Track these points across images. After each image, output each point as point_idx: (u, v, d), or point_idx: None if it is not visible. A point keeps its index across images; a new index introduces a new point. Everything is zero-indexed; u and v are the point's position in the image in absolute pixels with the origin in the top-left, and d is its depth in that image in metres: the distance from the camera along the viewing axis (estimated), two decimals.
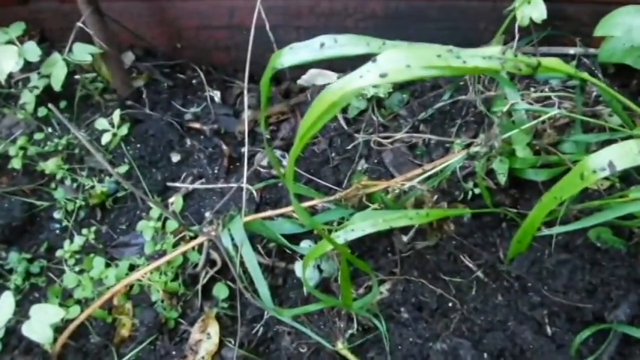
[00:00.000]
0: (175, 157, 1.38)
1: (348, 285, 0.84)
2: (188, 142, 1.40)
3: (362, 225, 0.85)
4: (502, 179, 1.07)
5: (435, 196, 1.10)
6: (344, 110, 1.36)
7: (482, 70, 0.57)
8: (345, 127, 1.35)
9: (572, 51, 1.26)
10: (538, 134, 1.08)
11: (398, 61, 0.55)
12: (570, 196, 0.68)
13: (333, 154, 1.33)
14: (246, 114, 1.34)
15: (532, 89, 1.18)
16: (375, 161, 1.28)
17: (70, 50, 1.30)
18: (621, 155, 0.64)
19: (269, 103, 1.47)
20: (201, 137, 1.42)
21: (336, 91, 0.57)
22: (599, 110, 1.09)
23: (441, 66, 0.56)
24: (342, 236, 0.85)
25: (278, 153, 1.38)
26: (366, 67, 0.57)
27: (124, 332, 1.21)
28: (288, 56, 0.67)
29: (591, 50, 1.24)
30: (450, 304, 1.08)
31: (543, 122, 1.03)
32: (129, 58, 1.52)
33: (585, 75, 0.65)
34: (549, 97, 1.14)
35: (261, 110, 1.47)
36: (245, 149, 1.24)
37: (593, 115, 1.09)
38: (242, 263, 1.14)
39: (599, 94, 1.17)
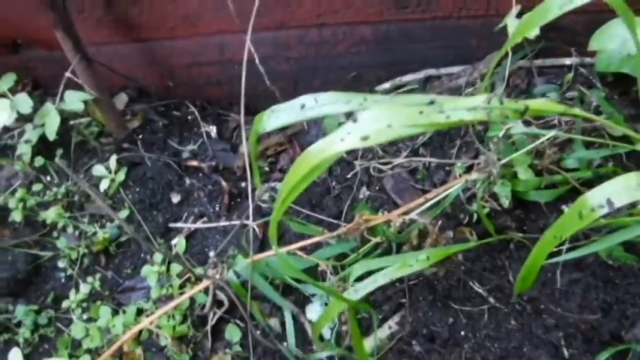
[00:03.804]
0: (175, 198, 1.38)
1: (362, 347, 0.83)
2: (187, 181, 1.39)
3: (365, 284, 0.83)
4: (505, 202, 1.05)
5: (439, 222, 1.08)
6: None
7: (468, 122, 0.55)
8: (344, 154, 1.34)
9: (568, 62, 1.23)
10: (539, 153, 1.06)
11: (379, 121, 0.54)
12: (570, 235, 0.66)
13: (334, 183, 1.32)
14: (245, 148, 1.32)
15: None
16: (377, 188, 1.27)
17: (62, 99, 1.30)
18: (620, 191, 0.62)
19: (265, 135, 1.46)
20: (200, 175, 1.41)
21: (315, 156, 0.56)
22: (600, 124, 1.06)
23: (424, 123, 0.54)
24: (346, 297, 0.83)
25: (279, 186, 1.37)
26: (346, 128, 0.55)
27: None
28: (271, 120, 0.66)
29: (588, 60, 1.22)
30: (462, 333, 1.06)
31: (543, 142, 1.01)
32: (122, 100, 1.52)
33: (576, 111, 0.63)
34: None
35: (259, 143, 1.47)
36: (248, 185, 1.22)
37: (593, 129, 1.07)
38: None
39: (599, 104, 1.15)
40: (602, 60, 1.14)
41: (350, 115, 0.55)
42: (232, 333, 1.18)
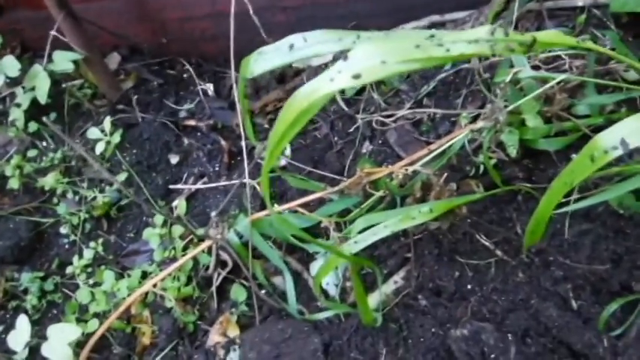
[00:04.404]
0: (174, 159, 1.35)
1: (365, 302, 0.81)
2: (185, 141, 1.36)
3: (365, 236, 0.80)
4: (512, 151, 1.01)
5: (445, 175, 1.05)
6: (342, 91, 1.30)
7: (469, 56, 0.51)
8: (345, 108, 1.29)
9: (580, 2, 1.16)
10: (548, 99, 1.01)
11: (372, 58, 0.49)
12: (582, 180, 0.62)
13: (336, 138, 1.28)
14: (238, 106, 1.28)
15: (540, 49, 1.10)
16: (380, 142, 1.23)
17: (51, 60, 1.25)
18: (634, 130, 0.57)
19: (264, 91, 1.41)
20: (198, 134, 1.38)
21: (303, 99, 0.51)
22: (613, 67, 1.00)
23: (422, 58, 0.50)
24: (346, 250, 0.81)
25: None
26: (336, 67, 0.51)
27: (145, 340, 1.21)
28: (258, 63, 0.61)
29: (602, 0, 1.15)
30: (469, 286, 1.04)
31: (552, 87, 0.96)
32: (114, 59, 1.47)
33: (589, 44, 0.58)
34: (559, 57, 1.06)
35: (258, 99, 1.42)
36: (243, 141, 1.19)
37: (606, 73, 1.01)
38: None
39: (612, 47, 1.08)
40: None
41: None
42: (238, 293, 1.18)
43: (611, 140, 0.56)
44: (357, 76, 0.46)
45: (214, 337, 1.16)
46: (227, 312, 1.19)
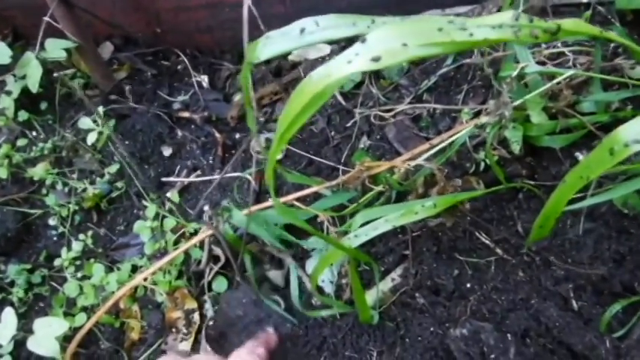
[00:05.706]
0: (167, 151, 1.31)
1: (363, 300, 0.78)
2: (179, 133, 1.33)
3: (365, 230, 0.77)
4: (516, 148, 0.98)
5: (445, 171, 1.02)
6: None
7: (493, 42, 0.48)
8: (343, 102, 1.27)
9: None
10: (553, 95, 0.99)
11: (392, 40, 0.47)
12: (598, 175, 0.59)
13: (333, 133, 1.25)
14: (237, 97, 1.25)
15: (544, 45, 1.08)
16: (378, 137, 1.20)
17: (43, 47, 1.21)
18: None
19: (260, 84, 1.38)
20: (192, 127, 1.34)
21: (318, 82, 0.48)
22: (620, 64, 0.98)
23: (444, 42, 0.47)
24: (346, 244, 0.78)
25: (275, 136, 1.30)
26: (354, 49, 0.48)
27: (134, 336, 1.18)
28: (266, 48, 0.58)
29: None
30: (468, 285, 1.01)
31: (558, 83, 0.93)
32: (107, 49, 1.43)
33: (612, 35, 0.56)
34: (563, 53, 1.04)
35: (254, 92, 1.39)
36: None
37: (613, 69, 0.99)
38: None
39: (617, 44, 1.06)
40: None
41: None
42: (220, 284, 1.15)
43: (632, 133, 0.53)
44: (376, 59, 0.43)
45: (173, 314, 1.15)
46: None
